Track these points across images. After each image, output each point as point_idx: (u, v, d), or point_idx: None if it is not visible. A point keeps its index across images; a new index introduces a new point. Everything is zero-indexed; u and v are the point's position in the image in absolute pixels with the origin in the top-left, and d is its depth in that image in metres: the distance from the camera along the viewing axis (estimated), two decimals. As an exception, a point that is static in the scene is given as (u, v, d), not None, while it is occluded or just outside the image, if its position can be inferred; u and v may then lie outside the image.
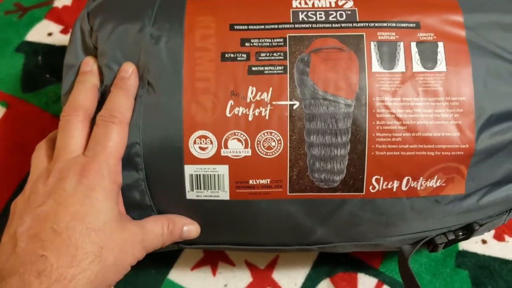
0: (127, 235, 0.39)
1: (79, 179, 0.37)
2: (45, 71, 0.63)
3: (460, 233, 0.43)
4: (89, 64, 0.42)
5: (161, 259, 0.54)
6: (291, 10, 0.41)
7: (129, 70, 0.40)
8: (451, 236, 0.43)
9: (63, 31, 0.65)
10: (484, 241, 0.54)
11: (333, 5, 0.41)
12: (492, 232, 0.54)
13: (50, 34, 0.65)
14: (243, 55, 0.39)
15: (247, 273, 0.54)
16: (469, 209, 0.42)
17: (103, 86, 0.41)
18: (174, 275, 0.54)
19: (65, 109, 0.41)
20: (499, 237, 0.54)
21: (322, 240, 0.43)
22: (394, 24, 0.40)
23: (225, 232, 0.43)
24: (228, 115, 0.39)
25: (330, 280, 0.53)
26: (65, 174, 0.38)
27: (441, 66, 0.39)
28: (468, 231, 0.43)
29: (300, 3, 0.41)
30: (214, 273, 0.54)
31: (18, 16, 0.65)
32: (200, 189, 0.40)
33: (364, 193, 0.40)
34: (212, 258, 0.55)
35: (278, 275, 0.54)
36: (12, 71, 0.63)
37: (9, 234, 0.38)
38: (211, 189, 0.40)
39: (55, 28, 0.65)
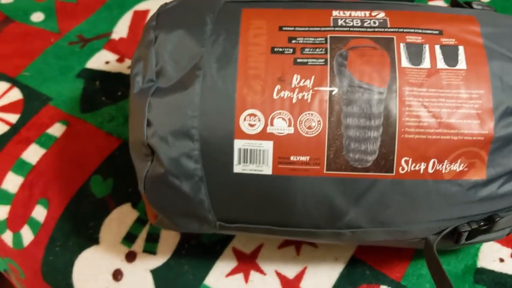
0: None
1: None
2: (101, 94, 0.69)
3: (482, 224, 0.47)
4: None
5: (199, 265, 0.58)
6: (331, 17, 0.47)
7: None
8: (474, 225, 0.46)
9: (119, 60, 0.72)
10: (501, 260, 0.56)
11: (367, 15, 0.48)
12: (510, 251, 0.56)
13: (107, 63, 0.72)
14: (289, 50, 0.46)
15: (277, 282, 0.57)
16: (490, 197, 0.45)
17: (158, 66, 0.46)
18: (210, 280, 0.57)
19: None
20: (516, 256, 0.57)
21: (354, 224, 0.47)
22: (420, 31, 0.46)
23: (265, 210, 0.47)
24: (275, 97, 0.44)
25: (355, 291, 0.55)
26: None
27: (461, 64, 0.45)
28: (490, 222, 0.46)
29: (339, 12, 0.48)
30: (246, 281, 0.57)
31: (80, 47, 0.73)
32: (246, 163, 0.45)
33: (394, 173, 0.44)
34: (245, 266, 0.58)
35: (305, 285, 0.56)
36: (73, 94, 0.69)
37: None
38: (256, 163, 0.44)
39: (112, 57, 0.72)
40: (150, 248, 0.59)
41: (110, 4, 0.77)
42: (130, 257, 0.59)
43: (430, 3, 0.74)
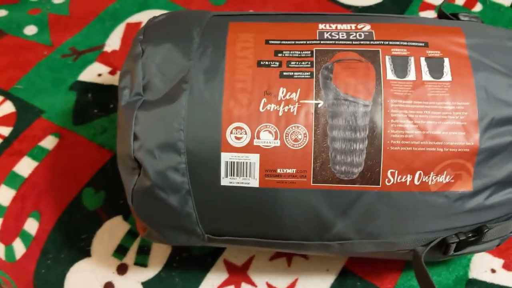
0: None
1: None
2: (94, 106, 0.69)
3: (470, 235, 0.47)
4: None
5: (190, 277, 0.58)
6: (317, 30, 0.48)
7: None
8: (462, 237, 0.46)
9: (111, 72, 0.72)
10: (493, 270, 0.56)
11: (353, 28, 0.48)
12: (502, 261, 0.57)
13: (99, 75, 0.72)
14: (276, 63, 0.46)
15: (268, 294, 0.57)
16: (477, 208, 0.45)
17: (145, 80, 0.46)
18: (201, 293, 0.57)
19: None
20: (508, 267, 0.56)
21: (342, 235, 0.47)
22: (406, 43, 0.47)
23: (252, 223, 0.47)
24: (261, 110, 0.45)
25: (346, 303, 0.55)
26: None
27: (447, 76, 0.45)
28: (478, 233, 0.46)
29: (325, 26, 0.48)
30: (237, 293, 0.57)
31: (73, 59, 0.74)
32: (233, 175, 0.45)
33: (380, 185, 0.44)
34: (236, 278, 0.58)
35: (297, 297, 0.56)
36: (66, 106, 0.70)
37: None
38: (243, 176, 0.45)
39: (104, 69, 0.73)
40: (142, 260, 0.59)
41: (102, 16, 0.78)
42: (122, 269, 0.59)
43: (421, 13, 0.75)
